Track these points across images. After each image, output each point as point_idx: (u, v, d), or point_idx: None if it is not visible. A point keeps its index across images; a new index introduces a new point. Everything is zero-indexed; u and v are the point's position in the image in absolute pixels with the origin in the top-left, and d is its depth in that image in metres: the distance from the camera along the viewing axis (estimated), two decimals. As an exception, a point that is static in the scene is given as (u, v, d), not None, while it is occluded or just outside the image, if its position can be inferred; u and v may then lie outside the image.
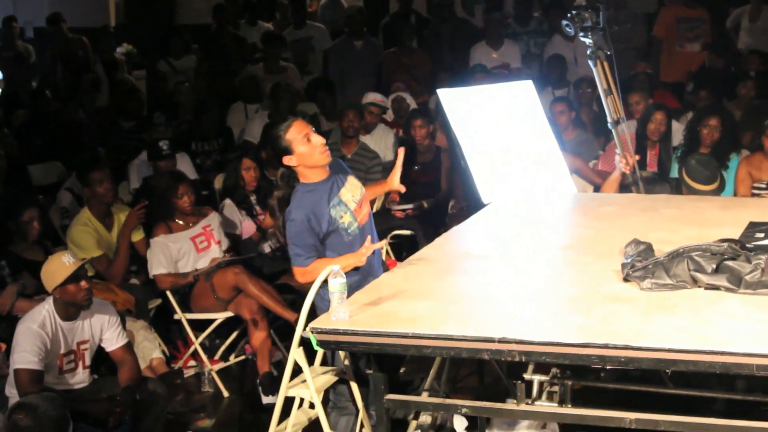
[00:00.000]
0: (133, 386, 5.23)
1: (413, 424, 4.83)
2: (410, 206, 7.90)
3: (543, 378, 4.57)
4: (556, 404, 4.46)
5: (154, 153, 7.75)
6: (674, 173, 7.18)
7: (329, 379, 4.84)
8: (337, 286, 3.82)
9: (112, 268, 6.78)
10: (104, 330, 5.35)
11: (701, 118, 7.35)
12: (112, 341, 5.37)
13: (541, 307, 3.92)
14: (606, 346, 3.43)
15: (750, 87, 9.03)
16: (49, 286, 5.14)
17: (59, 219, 7.71)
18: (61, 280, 5.07)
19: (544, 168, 5.90)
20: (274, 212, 4.95)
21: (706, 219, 5.06)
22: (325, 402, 4.88)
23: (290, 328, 5.95)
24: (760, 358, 3.28)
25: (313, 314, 4.30)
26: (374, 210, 5.14)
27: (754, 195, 6.87)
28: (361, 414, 4.86)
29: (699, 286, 3.87)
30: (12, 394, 5.06)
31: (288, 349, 4.81)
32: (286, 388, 4.68)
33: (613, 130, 6.03)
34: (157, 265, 6.59)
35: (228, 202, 7.22)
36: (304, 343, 4.20)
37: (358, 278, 4.61)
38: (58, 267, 5.11)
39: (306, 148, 4.69)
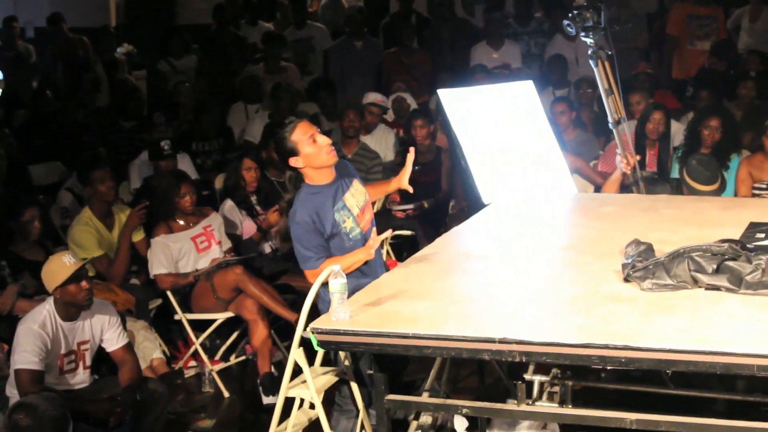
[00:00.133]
0: (134, 386, 5.23)
1: (414, 424, 4.84)
2: (411, 206, 7.90)
3: (543, 378, 4.57)
4: (556, 405, 4.45)
5: (155, 153, 7.75)
6: (675, 174, 7.19)
7: (329, 379, 4.84)
8: (338, 286, 3.82)
9: (113, 268, 6.78)
10: (105, 330, 5.35)
11: (702, 118, 7.35)
12: (113, 341, 5.37)
13: (541, 307, 3.92)
14: (606, 347, 3.43)
15: (750, 87, 9.03)
16: (50, 287, 5.14)
17: (60, 219, 7.71)
18: (62, 280, 5.07)
19: (544, 168, 5.90)
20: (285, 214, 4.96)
21: (706, 219, 5.06)
22: (330, 404, 4.88)
23: (291, 328, 5.95)
24: (761, 359, 3.28)
25: (313, 314, 4.30)
26: (375, 210, 5.13)
27: (754, 195, 6.87)
28: (362, 414, 4.86)
29: (699, 287, 3.87)
30: (12, 394, 5.06)
31: (288, 349, 4.81)
32: (286, 389, 4.68)
33: (614, 130, 6.03)
34: (158, 265, 6.59)
35: (228, 202, 7.22)
36: (305, 343, 4.20)
37: (359, 278, 4.62)
38: (59, 267, 5.11)
39: (312, 149, 4.68)
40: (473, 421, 5.15)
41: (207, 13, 12.20)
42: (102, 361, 5.53)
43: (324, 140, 4.71)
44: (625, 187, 6.23)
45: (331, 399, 5.02)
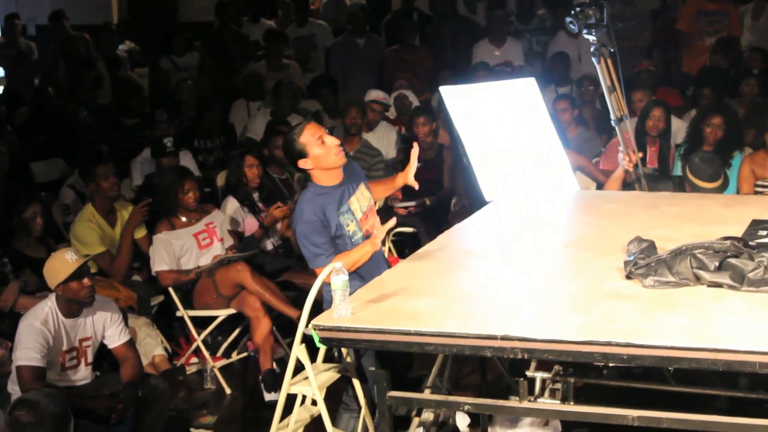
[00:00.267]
0: (136, 383, 5.23)
1: (416, 421, 4.83)
2: (413, 204, 7.90)
3: (545, 375, 4.56)
4: (558, 401, 4.44)
5: (157, 150, 7.75)
6: (677, 171, 7.18)
7: (331, 376, 4.84)
8: (339, 283, 3.82)
9: (115, 264, 6.79)
10: (106, 327, 5.35)
11: (704, 116, 7.35)
12: (115, 338, 5.38)
13: (543, 304, 3.92)
14: (608, 344, 3.43)
15: (753, 85, 9.01)
16: (52, 283, 5.14)
17: (61, 216, 7.71)
18: (64, 277, 5.07)
19: (546, 165, 5.90)
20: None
21: (708, 216, 5.06)
22: (331, 400, 4.88)
23: (292, 325, 5.96)
24: (763, 356, 3.28)
25: (315, 311, 4.30)
26: (376, 207, 5.13)
27: (757, 193, 6.86)
28: (364, 411, 4.86)
29: (702, 284, 3.87)
30: (14, 390, 5.07)
31: (290, 346, 4.81)
32: (288, 385, 4.68)
33: (616, 128, 6.02)
34: (160, 262, 6.60)
35: (230, 199, 7.22)
36: (307, 340, 4.20)
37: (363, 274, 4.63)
38: (61, 264, 5.11)
39: (321, 150, 4.70)
40: (475, 418, 5.15)
41: (209, 11, 12.20)
42: (104, 357, 5.53)
43: (332, 141, 4.73)
44: (627, 185, 6.23)
45: (332, 396, 5.02)
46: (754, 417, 3.60)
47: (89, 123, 9.58)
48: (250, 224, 7.17)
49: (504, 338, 3.54)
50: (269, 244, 7.18)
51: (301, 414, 4.83)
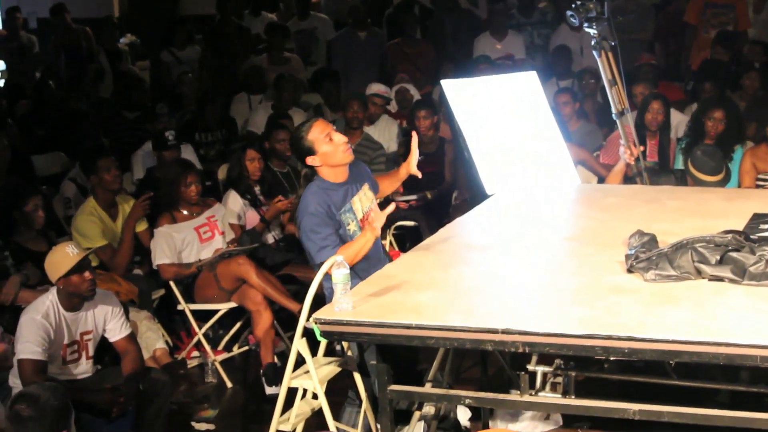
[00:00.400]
0: (137, 376, 5.23)
1: (417, 414, 4.84)
2: (414, 197, 7.90)
3: (546, 369, 4.57)
4: (559, 395, 4.45)
5: (159, 143, 7.75)
6: (678, 164, 7.18)
7: (332, 369, 4.84)
8: (341, 276, 3.82)
9: (116, 258, 6.78)
10: (108, 320, 5.35)
11: (705, 110, 7.35)
12: (116, 332, 5.37)
13: (544, 298, 3.92)
14: (610, 337, 3.43)
15: (754, 78, 9.00)
16: (53, 277, 5.14)
17: (62, 209, 7.71)
18: (65, 270, 5.07)
19: (548, 159, 5.89)
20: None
21: (710, 210, 5.06)
22: (332, 394, 4.88)
23: (293, 318, 5.96)
24: (764, 350, 3.28)
25: (316, 305, 4.30)
26: (378, 201, 5.14)
27: (758, 186, 6.87)
28: (365, 405, 4.86)
29: (703, 278, 3.87)
30: (15, 384, 5.06)
31: (291, 339, 4.81)
32: (289, 379, 4.68)
33: (617, 121, 6.02)
34: (161, 255, 6.60)
35: (232, 192, 7.21)
36: (308, 333, 4.20)
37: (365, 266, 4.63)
38: (62, 257, 5.11)
39: (329, 147, 4.76)
40: (476, 412, 5.15)
41: (210, 4, 12.18)
42: (105, 351, 5.53)
43: (340, 138, 4.78)
44: (628, 179, 6.23)
45: (334, 389, 5.02)
46: (755, 411, 3.59)
47: (90, 116, 9.57)
48: (251, 218, 7.17)
49: (505, 332, 3.54)
50: (270, 238, 7.19)
51: (302, 408, 4.83)
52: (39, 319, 5.05)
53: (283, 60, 10.59)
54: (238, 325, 6.93)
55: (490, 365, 5.41)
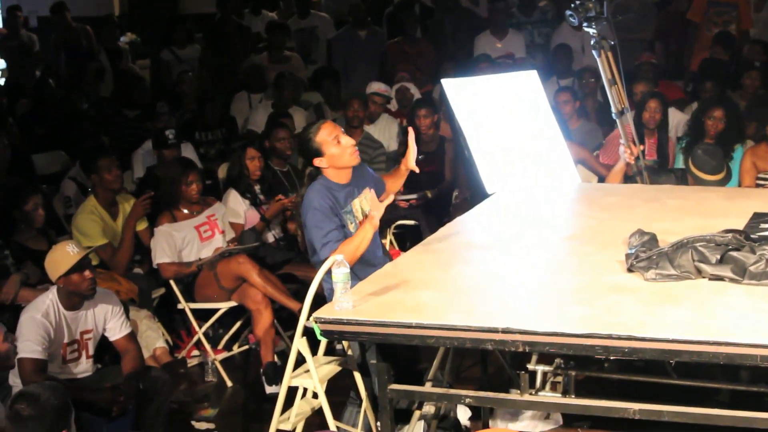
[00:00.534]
0: (137, 375, 5.23)
1: (417, 414, 4.84)
2: (414, 196, 7.90)
3: (546, 368, 4.57)
4: (559, 395, 4.45)
5: (159, 141, 7.75)
6: (679, 164, 7.18)
7: (333, 368, 4.84)
8: (341, 276, 3.82)
9: (117, 257, 6.78)
10: (108, 319, 5.35)
11: (706, 109, 7.35)
12: (116, 331, 5.37)
13: (544, 297, 3.92)
14: (610, 337, 3.43)
15: (755, 78, 9.00)
16: (53, 276, 5.14)
17: (63, 208, 7.71)
18: (65, 269, 5.07)
19: (548, 158, 5.89)
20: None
21: (710, 209, 5.06)
22: (332, 393, 4.88)
23: (294, 317, 5.96)
24: (764, 349, 3.27)
25: (317, 304, 4.30)
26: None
27: (758, 186, 6.87)
28: (365, 403, 4.86)
29: (703, 277, 3.87)
30: (16, 383, 5.06)
31: (292, 338, 4.81)
32: (289, 378, 4.68)
33: (617, 120, 6.02)
34: (161, 254, 6.59)
35: (232, 191, 7.21)
36: (308, 332, 4.20)
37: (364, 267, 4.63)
38: (62, 256, 5.11)
39: (337, 150, 4.81)
40: (476, 411, 5.15)
41: (210, 3, 12.18)
42: (105, 350, 5.53)
43: (348, 141, 4.83)
44: (628, 178, 6.23)
45: (334, 389, 5.02)
46: (755, 410, 3.59)
47: (91, 115, 9.57)
48: (251, 217, 7.17)
49: (505, 331, 3.54)
50: (270, 237, 7.18)
51: (302, 407, 4.83)
52: (39, 318, 5.05)
53: (284, 59, 10.59)
54: (238, 324, 6.93)
55: (490, 364, 5.41)
